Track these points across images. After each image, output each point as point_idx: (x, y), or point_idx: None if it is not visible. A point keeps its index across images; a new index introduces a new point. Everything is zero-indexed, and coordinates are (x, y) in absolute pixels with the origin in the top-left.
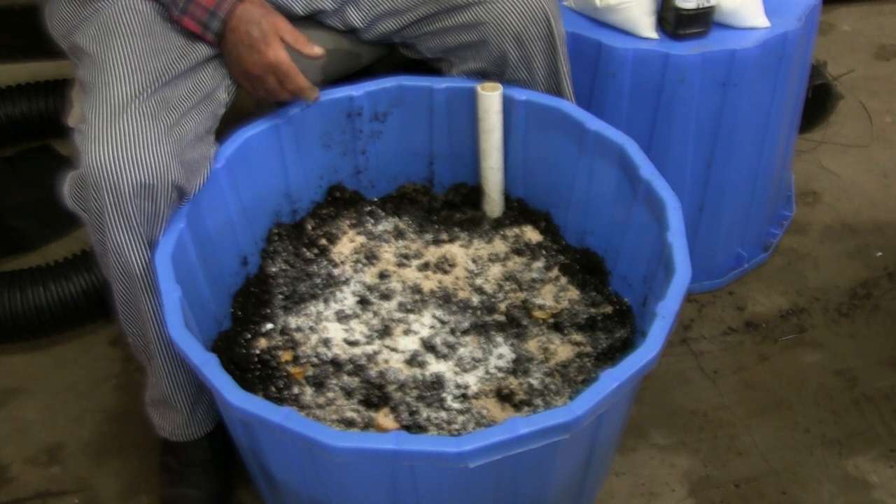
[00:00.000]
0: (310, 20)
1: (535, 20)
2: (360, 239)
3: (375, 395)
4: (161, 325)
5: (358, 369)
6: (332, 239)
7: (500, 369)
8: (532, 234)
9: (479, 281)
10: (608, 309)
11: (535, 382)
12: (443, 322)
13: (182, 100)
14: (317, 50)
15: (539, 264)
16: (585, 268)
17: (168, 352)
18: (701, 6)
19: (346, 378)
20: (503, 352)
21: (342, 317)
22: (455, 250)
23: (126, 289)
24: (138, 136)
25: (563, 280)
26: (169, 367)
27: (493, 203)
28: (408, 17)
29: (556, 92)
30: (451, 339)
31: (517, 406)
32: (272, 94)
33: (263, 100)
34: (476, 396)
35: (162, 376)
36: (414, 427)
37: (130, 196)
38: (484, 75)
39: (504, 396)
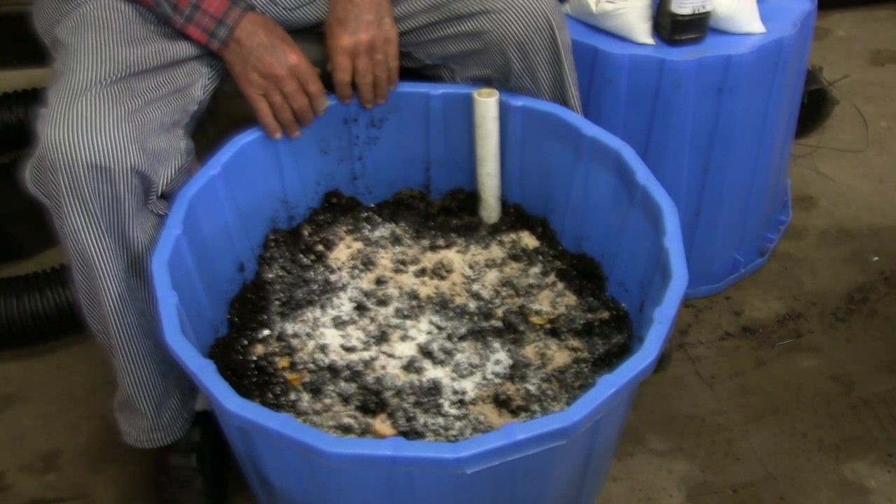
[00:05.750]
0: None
1: (538, 30)
2: (357, 245)
3: (372, 401)
4: (121, 316)
5: (355, 375)
6: (329, 245)
7: (497, 375)
8: (529, 240)
9: (475, 287)
10: (605, 314)
11: (532, 388)
12: (440, 328)
13: (149, 90)
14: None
15: (536, 270)
16: (582, 273)
17: (129, 347)
18: (697, 12)
19: (343, 384)
20: (500, 357)
21: (339, 323)
22: (452, 256)
23: (85, 278)
24: (96, 118)
25: (560, 285)
26: (131, 365)
27: (490, 209)
28: (407, 24)
29: (562, 102)
30: (448, 344)
31: (514, 412)
32: (289, 98)
33: (270, 112)
34: (473, 402)
35: (124, 374)
36: (411, 433)
37: (86, 178)
38: (487, 82)
39: (501, 402)
